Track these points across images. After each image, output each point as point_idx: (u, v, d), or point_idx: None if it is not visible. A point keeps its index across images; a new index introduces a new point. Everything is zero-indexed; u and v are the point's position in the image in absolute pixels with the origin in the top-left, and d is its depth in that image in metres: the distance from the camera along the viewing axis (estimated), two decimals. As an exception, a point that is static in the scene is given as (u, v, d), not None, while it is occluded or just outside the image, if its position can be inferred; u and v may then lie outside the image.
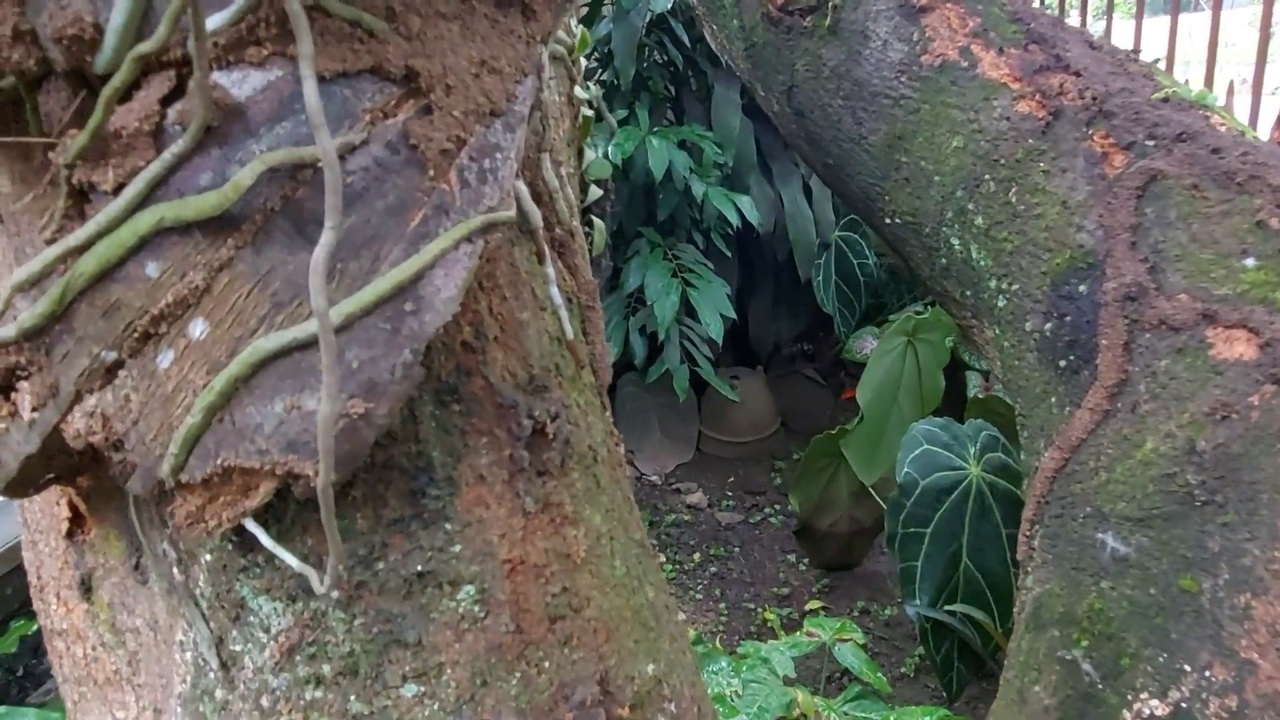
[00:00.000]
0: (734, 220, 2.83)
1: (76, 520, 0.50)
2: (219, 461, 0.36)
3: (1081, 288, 0.83)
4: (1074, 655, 0.71)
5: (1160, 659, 0.65)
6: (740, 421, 3.39)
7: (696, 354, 3.01)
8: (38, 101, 0.41)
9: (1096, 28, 3.13)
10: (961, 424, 2.00)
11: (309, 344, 0.35)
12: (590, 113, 0.56)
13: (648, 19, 2.86)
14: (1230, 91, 2.15)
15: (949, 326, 2.32)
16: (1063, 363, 0.83)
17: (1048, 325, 0.86)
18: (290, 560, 0.39)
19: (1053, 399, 0.84)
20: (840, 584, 2.67)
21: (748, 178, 3.07)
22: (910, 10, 1.07)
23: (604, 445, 0.51)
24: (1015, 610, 0.84)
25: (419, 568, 0.42)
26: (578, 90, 0.55)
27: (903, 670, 2.28)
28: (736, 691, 1.68)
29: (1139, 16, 2.48)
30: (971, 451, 1.92)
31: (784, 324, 3.53)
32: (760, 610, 2.59)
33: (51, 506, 0.51)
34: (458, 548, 0.43)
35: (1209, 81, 2.29)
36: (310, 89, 0.29)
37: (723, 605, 2.61)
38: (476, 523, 0.43)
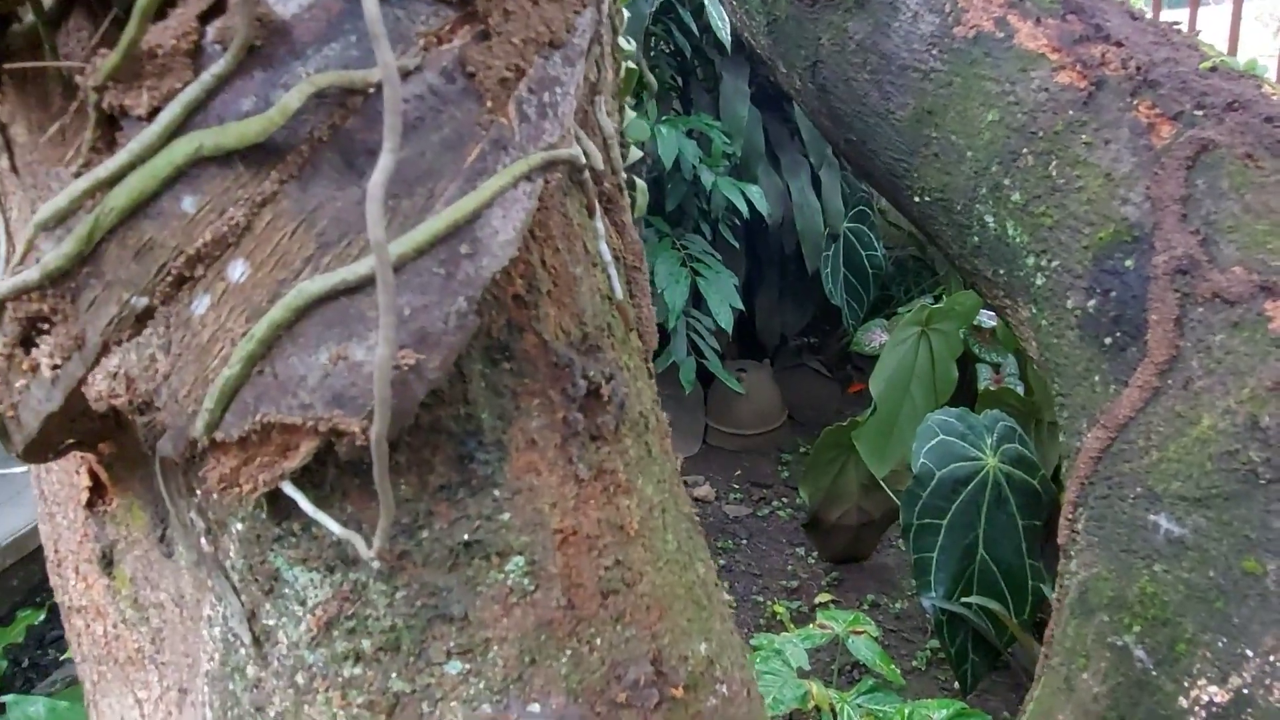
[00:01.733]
0: (743, 210, 2.80)
1: (97, 490, 0.47)
2: (258, 417, 0.34)
3: (1127, 262, 0.80)
4: (1125, 641, 0.69)
5: (1220, 644, 0.63)
6: (747, 414, 3.36)
7: (704, 346, 2.98)
8: (56, 43, 0.38)
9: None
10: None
11: (358, 287, 0.32)
12: (633, 67, 0.53)
13: (655, 7, 2.82)
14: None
15: (963, 316, 2.30)
16: (1107, 340, 0.81)
17: (1090, 302, 0.83)
18: (332, 526, 0.37)
19: (1095, 377, 0.82)
20: (849, 577, 2.65)
21: (756, 168, 3.04)
22: (942, -18, 1.03)
23: (653, 413, 0.49)
24: (1055, 597, 0.81)
25: (466, 537, 0.40)
26: (621, 41, 0.52)
27: (914, 663, 2.26)
28: (752, 683, 1.64)
29: (1156, 9, 2.45)
30: (988, 442, 1.89)
31: (791, 316, 3.51)
32: (769, 603, 2.57)
33: (71, 475, 0.48)
34: (507, 516, 0.40)
35: None
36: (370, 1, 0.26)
37: (732, 598, 2.59)
38: (527, 490, 0.40)
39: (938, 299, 3.05)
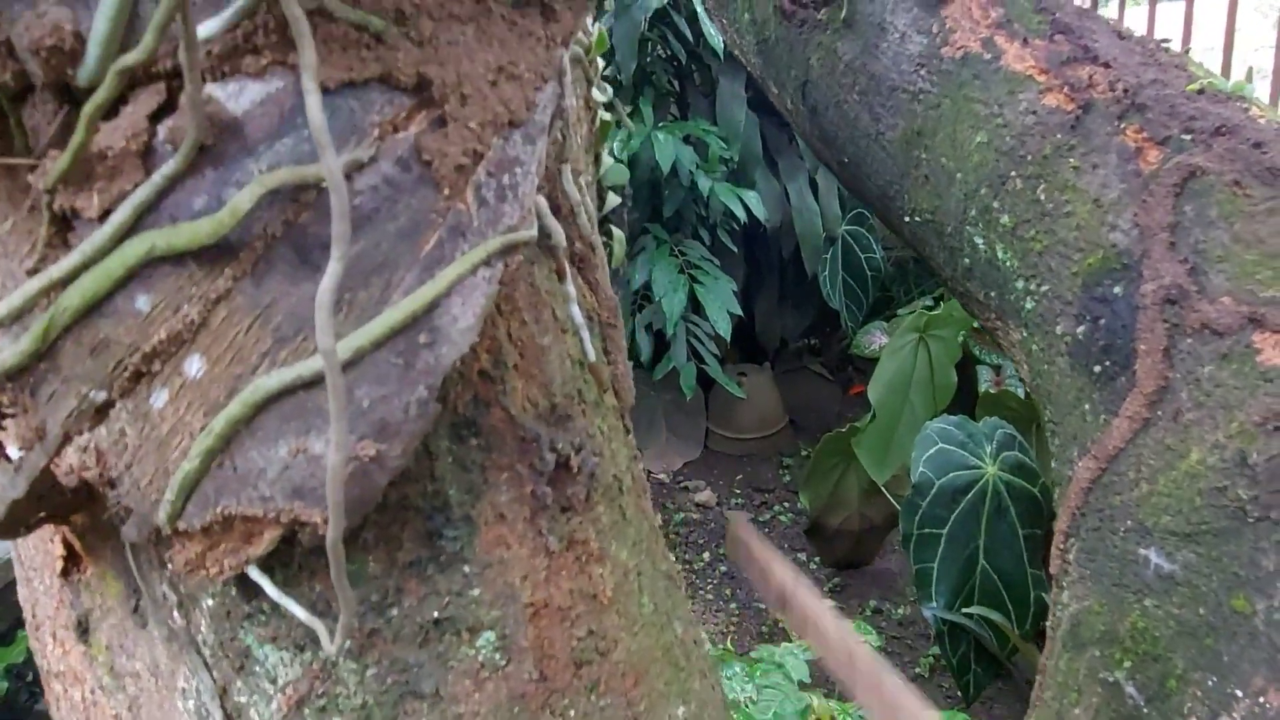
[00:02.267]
0: (741, 216, 2.80)
1: (72, 558, 0.47)
2: (219, 509, 0.33)
3: (1116, 289, 0.80)
4: (1116, 677, 0.68)
5: (1210, 682, 0.62)
6: (748, 418, 3.36)
7: (703, 351, 2.98)
8: (21, 115, 0.38)
9: (1107, 14, 3.08)
10: (974, 418, 1.97)
11: (315, 382, 0.32)
12: (608, 116, 0.53)
13: (650, 13, 2.82)
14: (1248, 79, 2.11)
15: (961, 322, 2.29)
16: (1097, 368, 0.80)
17: (1080, 329, 0.83)
18: (298, 612, 0.36)
19: (1086, 406, 0.81)
20: (851, 583, 2.64)
21: (753, 172, 3.03)
22: (929, 1, 1.03)
23: (628, 473, 0.48)
24: (1049, 626, 0.81)
25: (436, 614, 0.39)
26: (595, 93, 0.52)
27: (917, 671, 2.25)
28: (751, 698, 1.65)
29: (1152, 1, 2.43)
30: (987, 450, 1.88)
31: (790, 319, 3.50)
32: (771, 611, 2.56)
33: (45, 543, 0.48)
34: (477, 591, 0.40)
35: (1226, 69, 2.24)
36: (314, 104, 0.25)
37: (734, 605, 2.59)
38: (497, 564, 0.40)
39: (937, 301, 3.04)
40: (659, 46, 3.09)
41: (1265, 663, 0.60)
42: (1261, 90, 2.17)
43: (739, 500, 3.10)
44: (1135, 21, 2.70)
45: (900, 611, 2.49)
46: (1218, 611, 0.63)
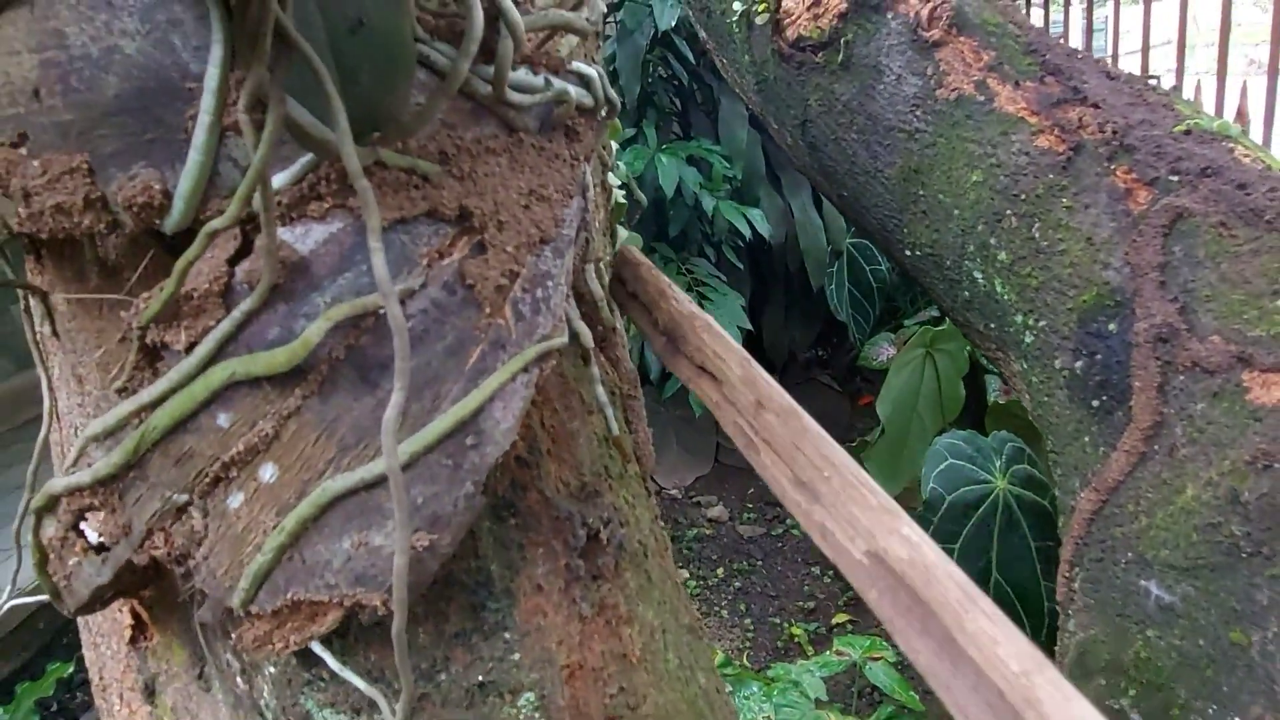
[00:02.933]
0: (746, 233, 2.83)
1: (139, 627, 0.51)
2: (288, 595, 0.37)
3: (1111, 326, 0.83)
4: (1122, 704, 0.71)
5: (1211, 711, 0.65)
6: (758, 432, 3.38)
7: (713, 368, 3.01)
8: (95, 241, 0.42)
9: (1101, 12, 3.11)
10: (983, 429, 2.00)
11: (375, 484, 0.35)
12: (623, 197, 0.57)
13: (651, 38, 2.87)
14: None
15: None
16: (1095, 403, 0.83)
17: (1078, 364, 0.86)
18: (358, 683, 0.40)
19: (1086, 439, 0.84)
20: (866, 596, 2.66)
21: (757, 189, 3.07)
22: (923, 45, 1.07)
23: (651, 536, 0.52)
24: (1057, 652, 0.84)
25: (480, 678, 0.43)
26: (610, 177, 0.55)
27: (933, 683, 2.27)
28: (770, 717, 1.68)
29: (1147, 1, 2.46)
30: (997, 464, 1.91)
31: (798, 332, 3.53)
32: (787, 625, 2.59)
33: (114, 613, 0.52)
34: (517, 656, 0.43)
35: (1222, 62, 2.26)
36: (379, 263, 0.29)
37: (748, 621, 2.61)
38: (535, 631, 0.43)
39: (943, 313, 3.06)
40: (661, 68, 3.14)
41: (1263, 693, 0.63)
42: (1258, 87, 2.18)
43: (751, 515, 3.12)
44: (1131, 19, 2.72)
45: (915, 623, 2.51)
46: (1216, 643, 0.66)
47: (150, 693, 0.52)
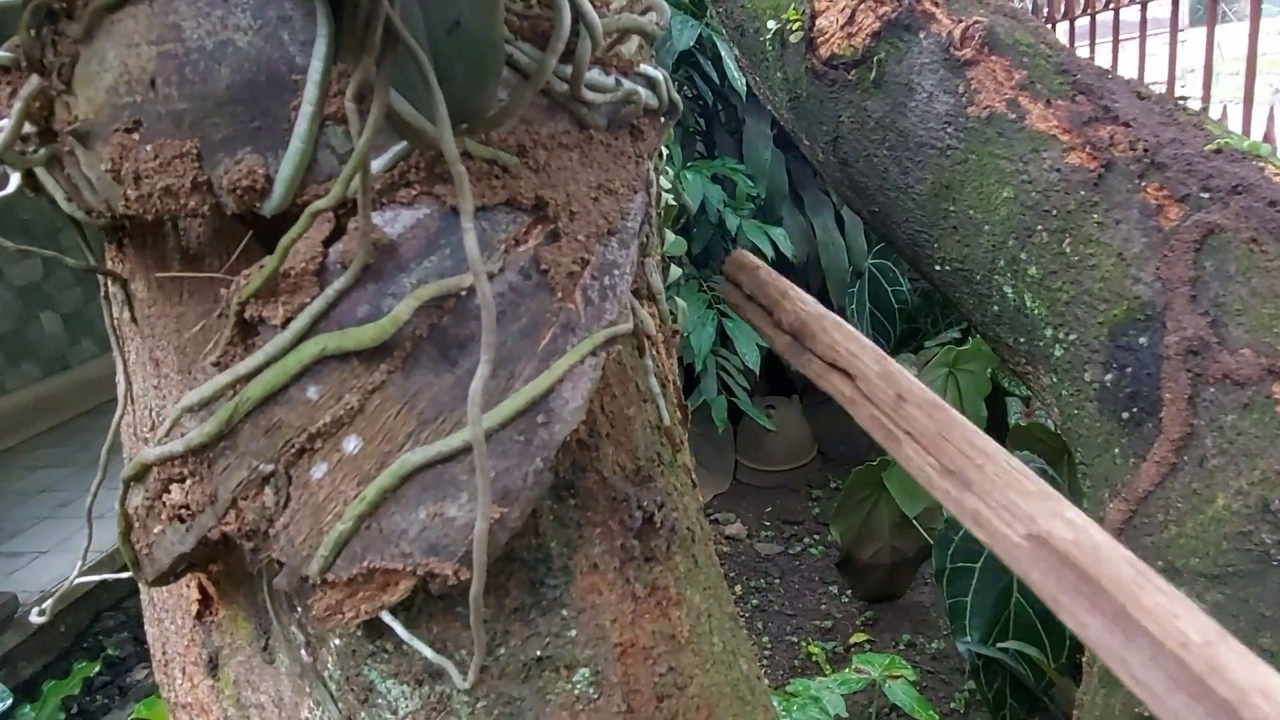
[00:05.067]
0: (768, 252, 2.86)
1: (205, 602, 0.53)
2: (365, 564, 0.39)
3: (1141, 339, 0.84)
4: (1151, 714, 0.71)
5: (1241, 718, 0.65)
6: (777, 450, 3.39)
7: (733, 384, 3.03)
8: (179, 228, 0.45)
9: (1129, 43, 3.12)
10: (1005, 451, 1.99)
11: (451, 457, 0.37)
12: (672, 200, 0.59)
13: (675, 57, 2.91)
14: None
15: (989, 356, 2.32)
16: (1125, 415, 0.84)
17: (1108, 376, 0.87)
18: (426, 652, 0.42)
19: (1115, 450, 0.85)
20: (884, 616, 2.65)
21: (780, 208, 3.10)
22: (955, 63, 1.09)
23: (697, 523, 0.53)
24: (1085, 661, 0.84)
25: (538, 653, 0.45)
26: (661, 180, 0.58)
27: (952, 705, 2.26)
28: (789, 731, 1.67)
29: (1173, 30, 2.47)
30: (1018, 484, 1.90)
31: (818, 352, 3.53)
32: (804, 644, 2.58)
33: (180, 589, 0.54)
34: (573, 632, 0.45)
35: (1249, 91, 2.27)
36: (471, 243, 0.31)
37: (765, 639, 2.60)
38: (590, 609, 0.45)
39: (964, 333, 3.06)
40: (685, 87, 3.18)
41: (1293, 699, 0.63)
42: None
43: (769, 533, 3.12)
44: (1157, 50, 2.74)
45: (934, 645, 2.50)
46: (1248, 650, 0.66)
47: (213, 666, 0.54)
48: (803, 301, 0.56)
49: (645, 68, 0.43)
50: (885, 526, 2.57)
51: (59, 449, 3.40)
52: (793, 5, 1.28)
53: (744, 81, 2.81)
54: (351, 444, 0.38)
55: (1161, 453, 0.79)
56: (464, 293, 0.37)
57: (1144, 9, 2.57)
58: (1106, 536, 0.36)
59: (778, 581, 2.86)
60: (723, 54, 2.90)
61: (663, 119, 0.45)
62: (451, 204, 0.37)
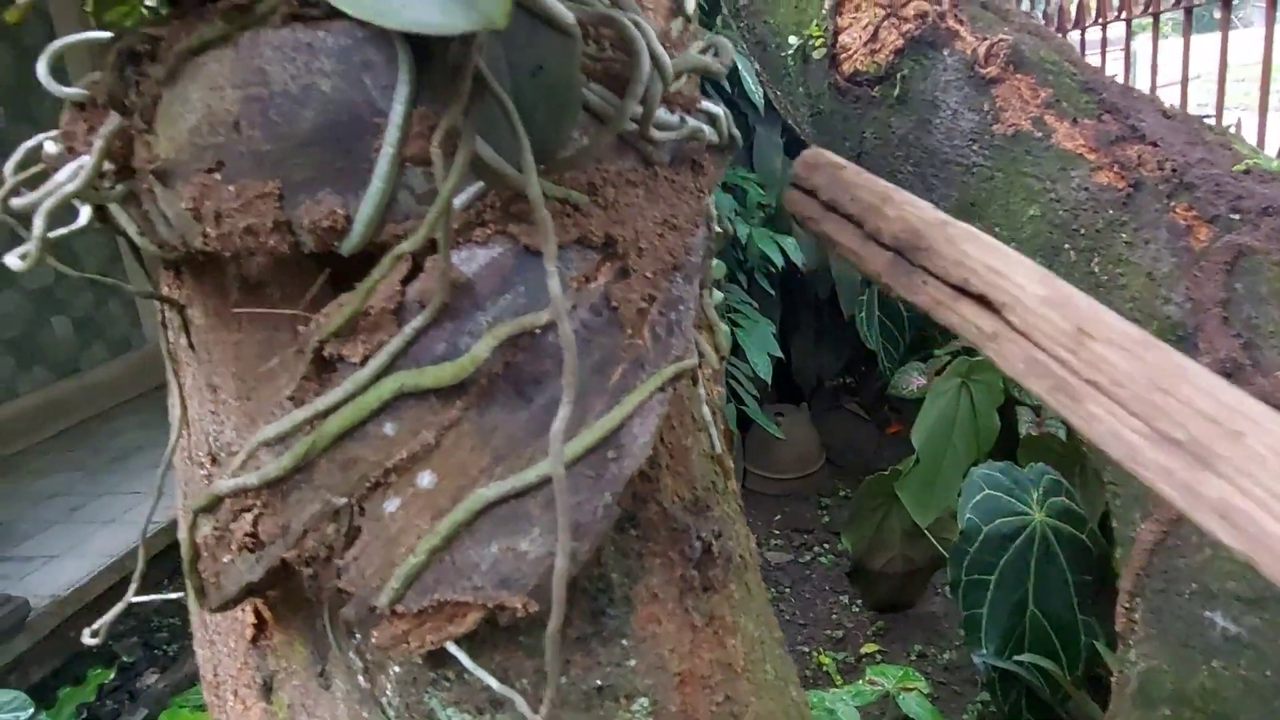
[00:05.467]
0: (778, 261, 2.86)
1: (260, 626, 0.53)
2: (435, 596, 0.40)
3: (1172, 360, 0.84)
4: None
5: (1280, 742, 0.66)
6: (786, 458, 3.39)
7: (742, 392, 3.03)
8: (240, 260, 0.45)
9: (1142, 46, 3.13)
10: (1016, 461, 2.00)
11: (524, 492, 0.38)
12: (720, 230, 0.60)
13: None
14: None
15: (1003, 367, 2.32)
16: (1156, 435, 0.84)
17: (1138, 396, 0.87)
18: (492, 683, 0.42)
19: (1146, 469, 0.85)
20: (895, 626, 2.65)
21: (790, 217, 3.10)
22: (980, 81, 1.09)
23: (747, 550, 0.54)
24: (1115, 683, 0.84)
25: (598, 682, 0.45)
26: (711, 207, 0.58)
27: (965, 718, 2.25)
28: (806, 743, 1.66)
29: (1186, 34, 2.47)
30: (1034, 496, 1.91)
31: (827, 359, 3.54)
32: (815, 653, 2.58)
33: (235, 613, 0.54)
34: (633, 662, 0.45)
35: (1263, 97, 2.27)
36: (555, 285, 0.32)
37: (778, 648, 2.60)
38: (650, 638, 0.46)
39: (975, 343, 3.05)
40: (696, 97, 3.19)
41: (1333, 724, 0.63)
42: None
43: (779, 542, 3.12)
44: (1170, 52, 2.74)
45: (946, 656, 2.49)
46: (1285, 674, 0.67)
47: (268, 690, 0.54)
48: (913, 205, 0.40)
49: (707, 104, 0.44)
50: (897, 536, 2.57)
51: (70, 453, 3.41)
52: (815, 21, 1.28)
53: (761, 93, 2.81)
54: (426, 479, 0.38)
55: (1194, 474, 0.79)
56: (538, 330, 0.37)
57: (1156, 20, 2.57)
58: None
59: (788, 590, 2.85)
60: (737, 63, 2.91)
61: (722, 153, 0.46)
62: (525, 242, 0.38)
